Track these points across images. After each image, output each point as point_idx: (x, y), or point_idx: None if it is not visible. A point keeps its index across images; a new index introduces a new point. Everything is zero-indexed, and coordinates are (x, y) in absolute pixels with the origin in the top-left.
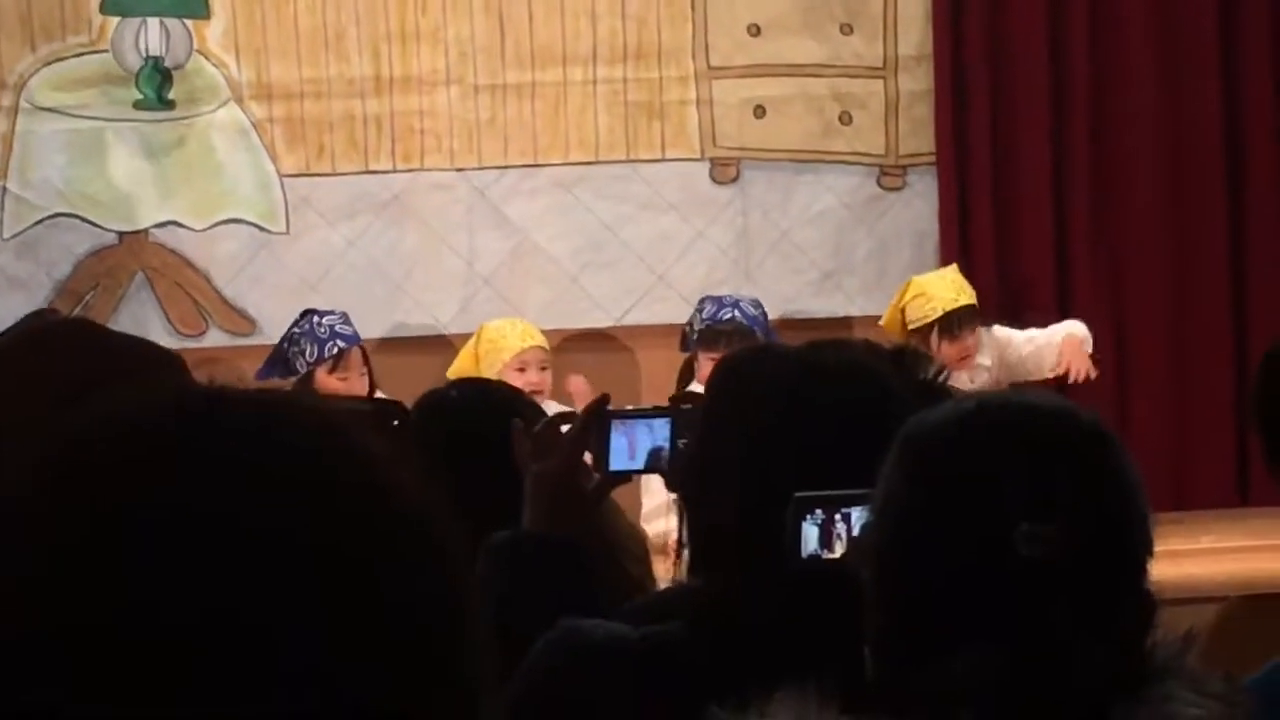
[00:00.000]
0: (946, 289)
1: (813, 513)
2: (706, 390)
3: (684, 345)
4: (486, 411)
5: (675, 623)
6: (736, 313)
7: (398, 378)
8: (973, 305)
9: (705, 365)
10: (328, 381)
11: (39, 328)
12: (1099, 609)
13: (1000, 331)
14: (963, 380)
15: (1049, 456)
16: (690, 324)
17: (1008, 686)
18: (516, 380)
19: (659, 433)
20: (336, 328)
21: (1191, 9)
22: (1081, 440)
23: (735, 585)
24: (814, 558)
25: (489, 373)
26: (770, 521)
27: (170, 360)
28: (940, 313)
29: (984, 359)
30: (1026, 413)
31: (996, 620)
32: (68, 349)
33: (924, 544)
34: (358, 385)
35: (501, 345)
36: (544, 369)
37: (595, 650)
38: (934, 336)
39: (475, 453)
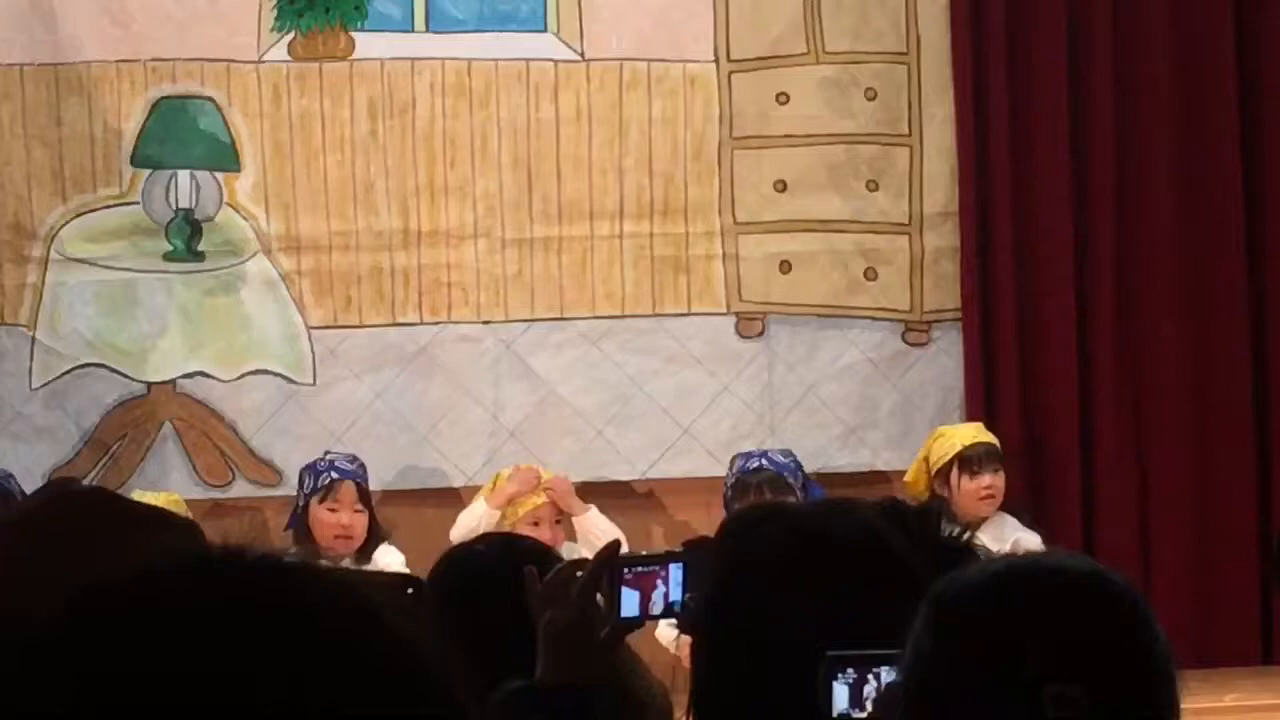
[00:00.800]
0: (967, 430)
1: (844, 671)
2: (716, 546)
3: (726, 506)
4: (511, 564)
5: None
6: (764, 461)
7: (423, 530)
8: (993, 445)
9: None
10: (317, 512)
11: (60, 496)
12: None
13: (1028, 539)
14: None
15: (1077, 618)
16: (726, 483)
17: None
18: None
19: (672, 578)
20: (337, 463)
21: (1216, 161)
22: (1109, 602)
23: None
24: (843, 717)
25: (504, 523)
26: (783, 676)
27: (187, 526)
28: (959, 448)
29: (991, 543)
30: (1055, 574)
31: None
32: (89, 517)
33: (951, 702)
34: (349, 519)
35: (516, 502)
36: (556, 521)
37: None
38: (954, 474)
39: (499, 605)
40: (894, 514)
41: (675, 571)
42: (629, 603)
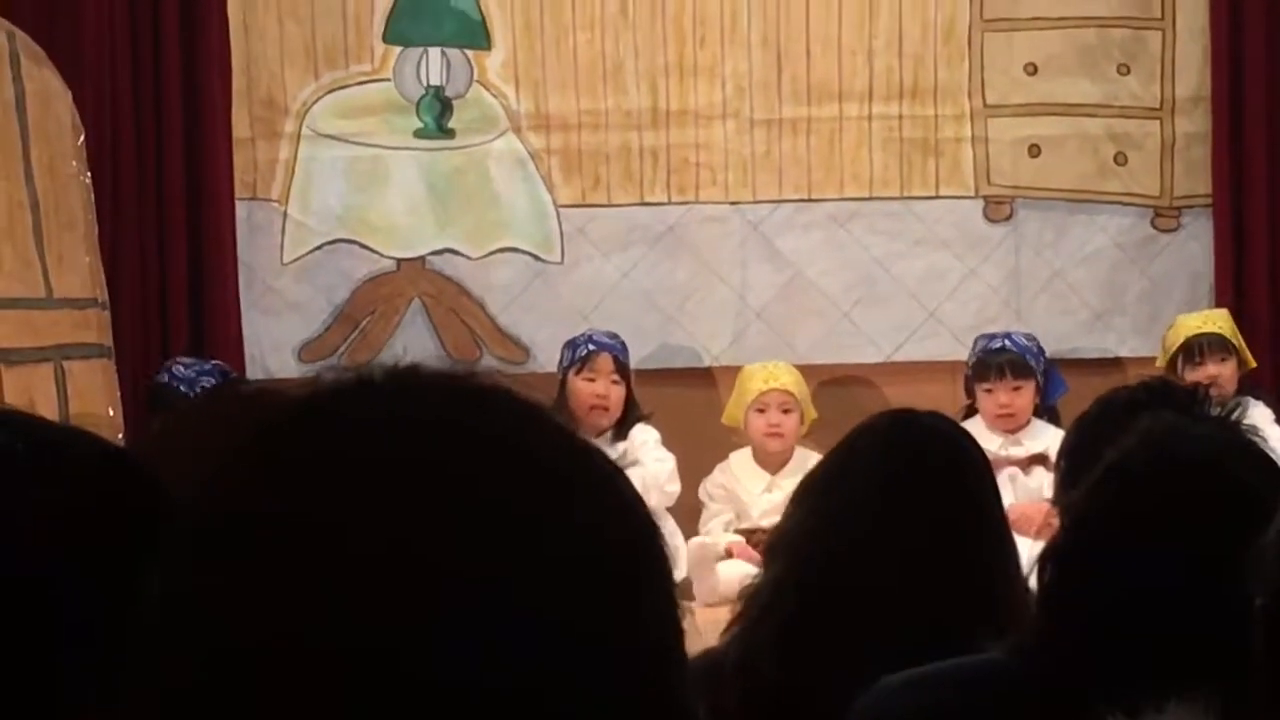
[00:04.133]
0: (1195, 319)
1: None
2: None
3: (968, 390)
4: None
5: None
6: (1007, 342)
7: (668, 408)
8: (1218, 334)
9: (982, 398)
10: (574, 383)
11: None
12: None
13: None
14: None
15: None
16: (968, 363)
17: None
18: (757, 421)
19: None
20: (595, 336)
21: None
22: None
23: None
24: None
25: (740, 410)
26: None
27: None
28: (1183, 338)
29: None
30: None
31: None
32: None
33: None
34: (605, 389)
35: (747, 387)
36: (786, 411)
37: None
38: (1180, 364)
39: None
40: (1163, 393)
41: None
42: None
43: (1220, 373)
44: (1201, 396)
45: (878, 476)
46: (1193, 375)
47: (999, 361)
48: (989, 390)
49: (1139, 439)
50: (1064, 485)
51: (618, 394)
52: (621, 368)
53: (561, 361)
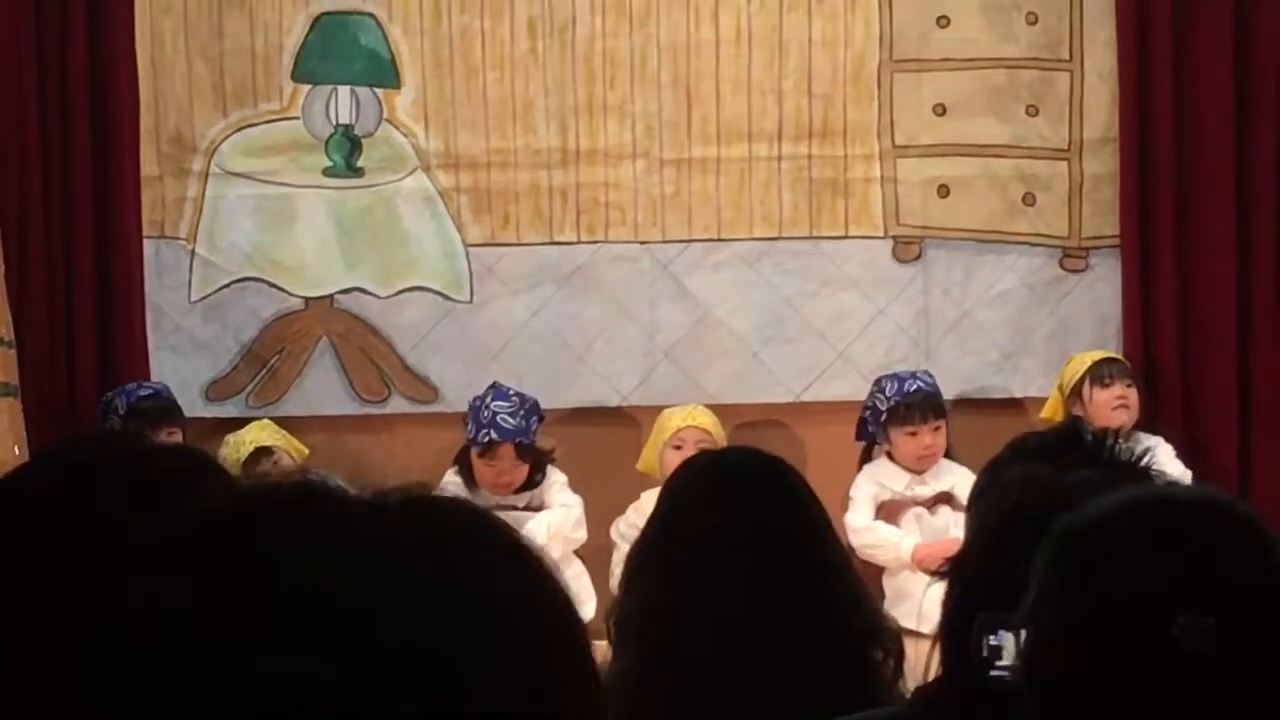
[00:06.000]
0: (1094, 353)
1: (995, 633)
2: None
3: (860, 433)
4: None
5: None
6: (922, 384)
7: (576, 448)
8: (1124, 362)
9: (903, 441)
10: (477, 461)
11: (75, 461)
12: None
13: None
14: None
15: (1204, 547)
16: (869, 407)
17: None
18: (673, 458)
19: None
20: (499, 418)
21: None
22: (1236, 531)
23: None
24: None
25: (655, 452)
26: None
27: (209, 467)
28: (1089, 364)
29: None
30: (1179, 505)
31: (1161, 715)
32: (106, 482)
33: (1077, 640)
34: (509, 473)
35: (665, 426)
36: (703, 450)
37: None
38: (1086, 389)
39: None
40: (1074, 438)
41: None
42: None
43: (1128, 395)
44: (1110, 443)
45: (712, 540)
46: (1101, 395)
47: (921, 404)
48: (913, 433)
49: (1017, 489)
50: None
51: (521, 472)
52: (525, 449)
53: (466, 425)
